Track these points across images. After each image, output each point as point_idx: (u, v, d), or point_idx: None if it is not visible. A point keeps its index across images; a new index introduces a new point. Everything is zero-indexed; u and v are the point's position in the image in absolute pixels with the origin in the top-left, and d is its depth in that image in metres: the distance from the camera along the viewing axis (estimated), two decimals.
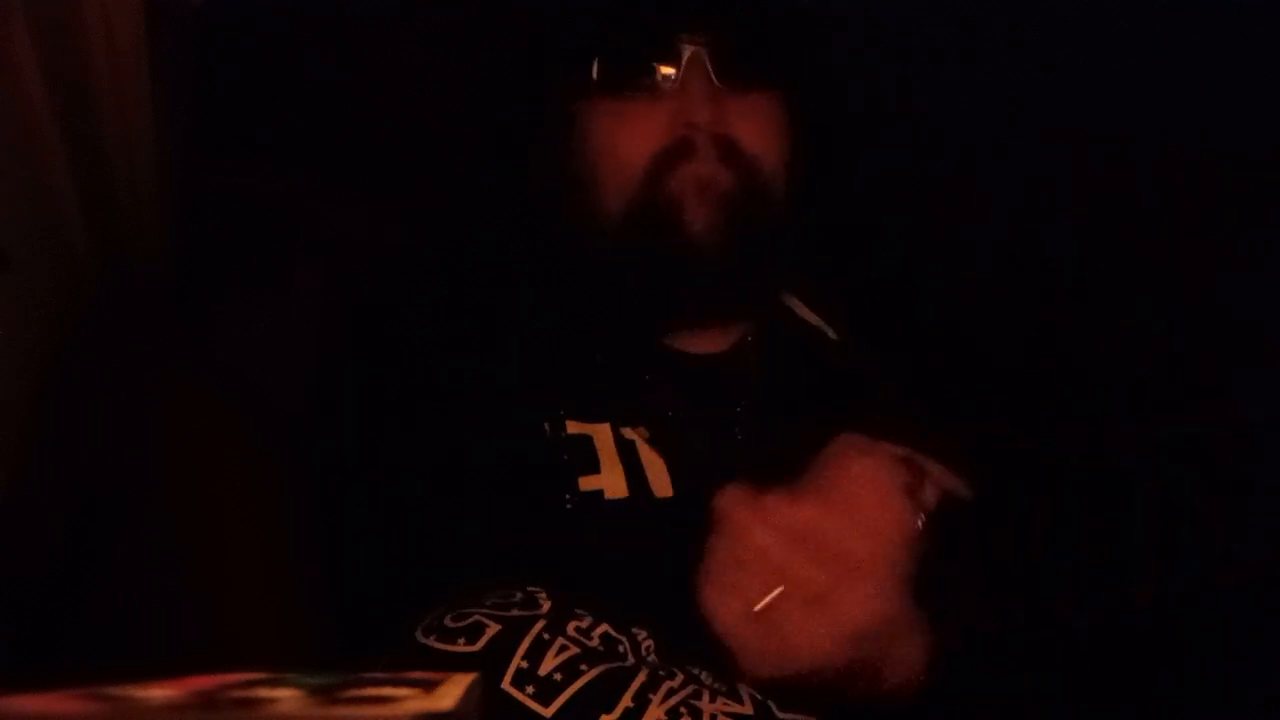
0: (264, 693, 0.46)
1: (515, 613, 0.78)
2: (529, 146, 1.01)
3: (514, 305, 0.98)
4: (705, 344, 1.00)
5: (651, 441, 0.93)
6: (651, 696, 0.74)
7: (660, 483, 0.91)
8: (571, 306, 0.97)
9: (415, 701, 0.44)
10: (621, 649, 0.79)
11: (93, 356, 0.88)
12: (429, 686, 0.47)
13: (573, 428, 0.92)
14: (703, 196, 0.93)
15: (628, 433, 0.93)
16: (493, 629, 0.76)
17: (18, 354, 0.85)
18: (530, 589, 0.80)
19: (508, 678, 0.74)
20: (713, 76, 0.93)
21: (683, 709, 0.73)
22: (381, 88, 1.21)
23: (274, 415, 1.00)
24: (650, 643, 0.81)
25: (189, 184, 1.09)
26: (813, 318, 1.03)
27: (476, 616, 0.77)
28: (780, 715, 0.76)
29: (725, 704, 0.75)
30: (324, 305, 1.18)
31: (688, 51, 0.92)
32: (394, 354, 0.98)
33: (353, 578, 0.91)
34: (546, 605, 0.79)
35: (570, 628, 0.77)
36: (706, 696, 0.75)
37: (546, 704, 0.73)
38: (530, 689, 0.73)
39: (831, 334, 1.02)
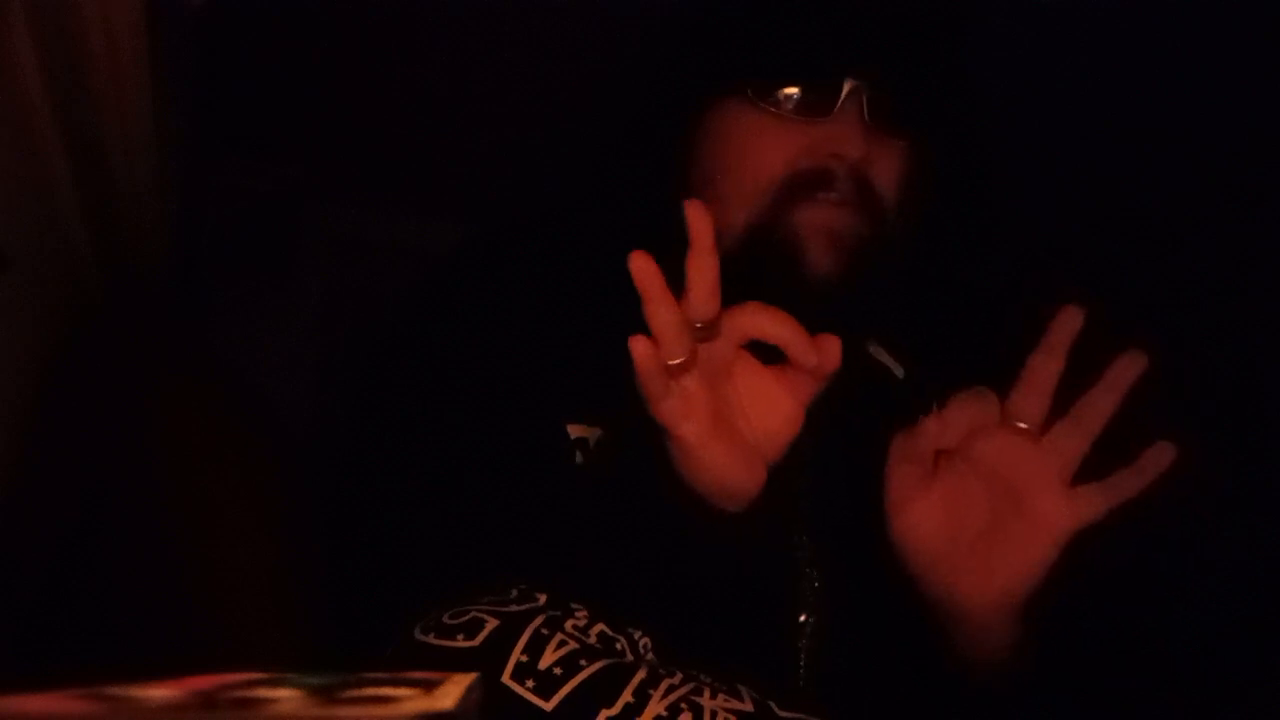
0: (264, 693, 0.46)
1: (513, 608, 0.78)
2: (662, 141, 0.98)
3: (560, 310, 0.96)
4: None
5: None
6: (652, 692, 0.74)
7: None
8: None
9: (415, 701, 0.44)
10: (619, 646, 0.79)
11: (93, 356, 0.88)
12: (429, 686, 0.47)
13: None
14: (830, 239, 0.91)
15: None
16: (491, 624, 0.77)
17: (18, 354, 0.85)
18: (526, 587, 0.80)
19: (508, 672, 0.74)
20: (865, 114, 0.91)
21: (683, 705, 0.73)
22: (382, 87, 1.21)
23: (274, 415, 1.00)
24: (647, 641, 0.81)
25: (189, 184, 1.09)
26: (880, 353, 1.02)
27: (474, 613, 0.78)
28: (781, 713, 0.76)
29: (726, 700, 0.75)
30: (324, 305, 1.18)
31: (848, 85, 0.91)
32: (412, 354, 0.98)
33: (353, 578, 0.91)
34: (544, 602, 0.79)
35: (568, 625, 0.78)
36: (707, 693, 0.75)
37: (547, 698, 0.73)
38: (530, 683, 0.73)
39: (898, 372, 1.01)
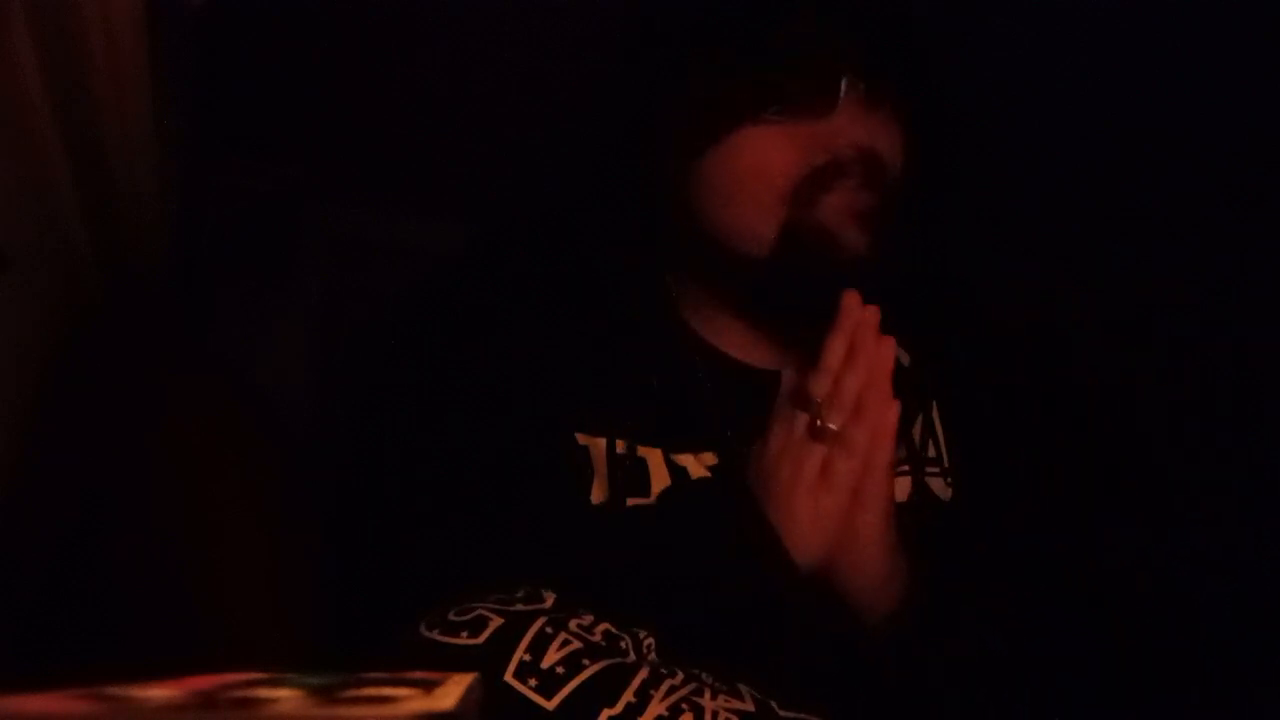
0: (264, 693, 0.46)
1: (518, 607, 0.78)
2: (668, 157, 0.98)
3: (563, 311, 0.97)
4: (769, 359, 1.00)
5: (714, 469, 0.93)
6: (653, 692, 0.74)
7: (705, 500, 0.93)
8: (643, 319, 0.97)
9: (415, 701, 0.44)
10: (623, 645, 0.79)
11: (93, 357, 0.88)
12: (429, 686, 0.47)
13: (635, 449, 0.93)
14: (858, 220, 0.93)
15: (680, 459, 0.93)
16: (495, 622, 0.77)
17: (18, 354, 0.85)
18: (533, 588, 0.80)
19: (510, 670, 0.74)
20: (867, 103, 0.92)
21: (684, 705, 0.74)
22: (382, 87, 1.21)
23: (274, 415, 1.00)
24: (651, 641, 0.81)
25: (189, 184, 1.09)
26: None
27: (479, 610, 0.78)
28: (781, 713, 0.76)
29: (727, 701, 0.75)
30: (324, 305, 1.18)
31: (846, 79, 0.92)
32: (414, 355, 0.98)
33: (354, 579, 0.91)
34: (550, 602, 0.79)
35: (572, 624, 0.78)
36: (708, 694, 0.75)
37: (549, 697, 0.73)
38: (533, 681, 0.74)
39: (903, 360, 1.01)
